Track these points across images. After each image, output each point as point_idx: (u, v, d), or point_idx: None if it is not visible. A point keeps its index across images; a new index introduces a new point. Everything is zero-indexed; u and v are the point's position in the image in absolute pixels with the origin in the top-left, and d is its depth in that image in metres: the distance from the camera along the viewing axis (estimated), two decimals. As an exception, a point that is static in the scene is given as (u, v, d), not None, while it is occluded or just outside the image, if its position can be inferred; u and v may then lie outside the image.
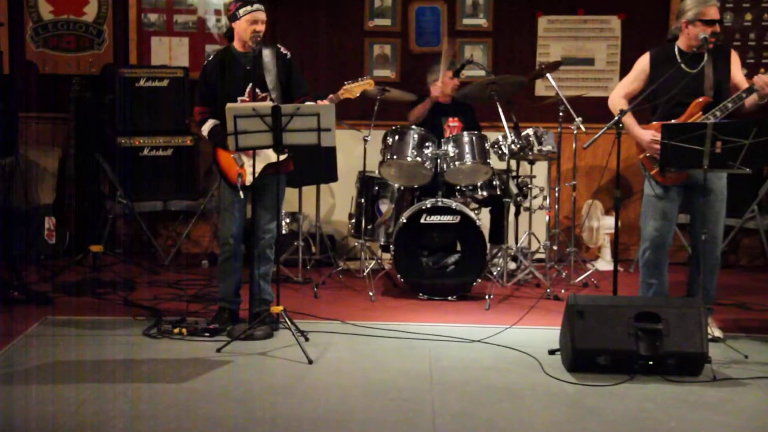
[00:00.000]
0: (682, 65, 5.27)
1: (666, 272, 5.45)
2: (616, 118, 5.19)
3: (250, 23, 5.37)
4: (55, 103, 7.80)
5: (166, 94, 7.63)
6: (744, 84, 5.26)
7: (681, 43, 5.39)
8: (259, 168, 5.43)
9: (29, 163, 7.69)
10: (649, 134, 5.30)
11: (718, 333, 5.42)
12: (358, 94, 5.61)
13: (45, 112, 7.91)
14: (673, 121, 5.25)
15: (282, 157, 5.39)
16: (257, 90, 5.43)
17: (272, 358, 5.06)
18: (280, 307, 5.32)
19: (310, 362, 4.94)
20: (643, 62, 5.48)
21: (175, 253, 7.70)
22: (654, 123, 5.37)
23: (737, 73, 5.37)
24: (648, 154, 5.36)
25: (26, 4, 7.95)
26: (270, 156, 5.40)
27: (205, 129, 5.48)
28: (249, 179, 5.43)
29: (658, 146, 5.18)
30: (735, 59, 5.40)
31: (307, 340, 5.32)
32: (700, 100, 5.25)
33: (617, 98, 5.49)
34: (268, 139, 5.15)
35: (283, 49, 5.55)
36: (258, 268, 5.52)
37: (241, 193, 5.42)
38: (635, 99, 5.41)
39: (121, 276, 6.87)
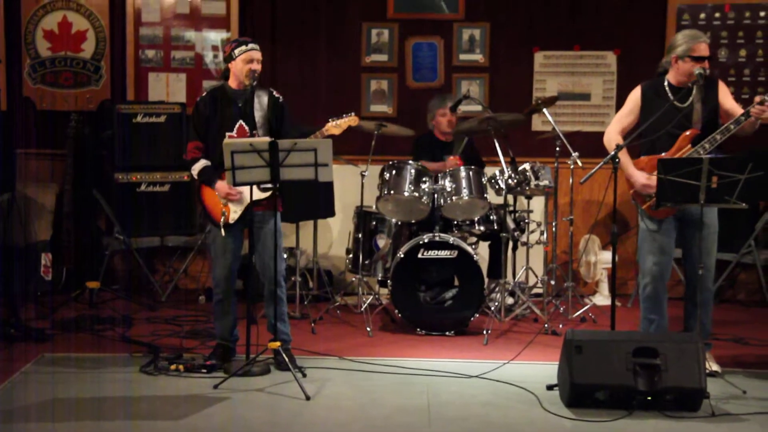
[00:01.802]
0: (674, 101, 5.31)
1: (666, 307, 5.45)
2: (613, 153, 5.21)
3: (246, 62, 5.46)
4: (53, 140, 7.82)
5: (163, 130, 7.65)
6: (737, 110, 5.30)
7: (671, 78, 5.43)
8: (240, 209, 5.47)
9: (27, 199, 7.71)
10: (643, 177, 5.33)
11: (716, 368, 5.41)
12: (343, 130, 5.65)
13: (42, 148, 7.92)
14: (663, 155, 5.28)
15: (264, 195, 5.42)
16: (246, 127, 5.47)
17: (270, 394, 5.04)
18: (278, 343, 5.32)
19: (308, 398, 4.92)
20: (635, 96, 5.53)
21: (172, 288, 7.69)
22: (643, 158, 5.41)
23: (727, 101, 5.40)
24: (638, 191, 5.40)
25: (24, 41, 8.00)
26: (254, 195, 5.41)
27: (196, 169, 5.52)
28: (233, 217, 5.48)
29: (650, 190, 5.23)
30: (723, 88, 5.45)
31: (304, 376, 5.31)
32: (688, 133, 5.29)
33: (612, 134, 5.52)
34: (265, 174, 5.17)
35: (276, 93, 5.64)
36: (271, 308, 5.52)
37: (222, 231, 5.47)
38: (630, 134, 5.44)
39: (118, 312, 6.85)
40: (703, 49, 5.32)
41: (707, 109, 5.34)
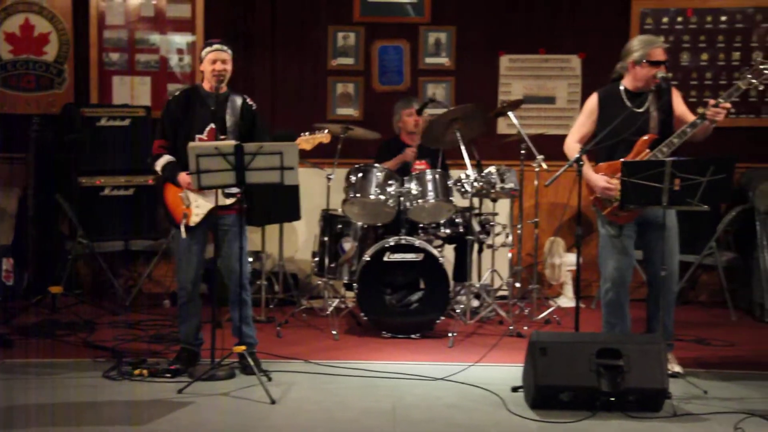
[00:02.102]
0: (629, 104, 5.35)
1: (628, 310, 5.49)
2: (577, 155, 5.25)
3: (211, 63, 5.47)
4: (15, 143, 7.72)
5: (127, 134, 7.59)
6: (688, 116, 5.36)
7: (627, 83, 5.47)
8: (203, 212, 5.45)
9: (-12, 204, 7.62)
10: (602, 180, 5.36)
11: (677, 368, 5.45)
12: (313, 146, 5.67)
13: (4, 152, 7.83)
14: (622, 160, 5.32)
15: (229, 201, 5.41)
16: (217, 131, 5.45)
17: (235, 398, 5.02)
18: (243, 347, 5.31)
19: (273, 402, 4.90)
20: (591, 104, 5.56)
21: (136, 293, 7.64)
22: (602, 165, 5.44)
23: (680, 107, 5.46)
24: (599, 195, 5.43)
25: (-15, 45, 7.93)
26: (219, 200, 5.39)
27: (160, 164, 5.50)
28: (194, 219, 5.45)
29: (611, 192, 5.26)
30: (676, 94, 5.51)
31: (270, 379, 5.29)
32: (646, 137, 5.34)
33: (572, 144, 5.56)
34: (230, 177, 5.15)
35: (249, 101, 5.64)
36: (237, 311, 5.49)
37: (183, 233, 5.44)
38: (589, 141, 5.47)
39: (81, 317, 6.78)
40: (660, 54, 5.37)
41: (663, 115, 5.39)
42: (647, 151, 5.31)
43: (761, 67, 5.16)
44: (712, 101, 5.17)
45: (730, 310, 7.41)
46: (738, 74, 5.27)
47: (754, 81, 5.18)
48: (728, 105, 5.16)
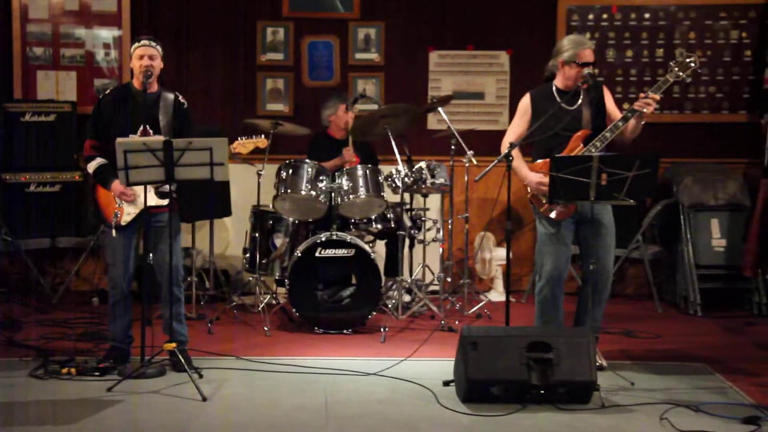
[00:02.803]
0: (561, 103, 5.43)
1: (561, 307, 5.53)
2: (506, 151, 5.30)
3: (139, 58, 5.42)
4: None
5: (53, 129, 7.47)
6: (618, 114, 5.45)
7: (558, 83, 5.56)
8: (135, 211, 5.40)
9: None
10: (536, 176, 5.42)
11: (601, 361, 5.53)
12: (249, 151, 5.66)
13: (-75, 148, 7.63)
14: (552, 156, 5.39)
15: (163, 202, 5.37)
16: (150, 130, 5.39)
17: (165, 396, 4.97)
18: (173, 344, 5.26)
19: (204, 399, 4.87)
20: (525, 104, 5.63)
21: (63, 291, 7.51)
22: (538, 162, 5.49)
23: (611, 105, 5.57)
24: (534, 191, 5.49)
25: None
26: (148, 201, 5.34)
27: (92, 166, 5.43)
28: (125, 219, 5.40)
29: (544, 188, 5.33)
30: (607, 93, 5.62)
31: (201, 376, 5.25)
32: (579, 133, 5.42)
33: (507, 144, 5.59)
34: (159, 174, 5.09)
35: (181, 98, 5.59)
36: (168, 309, 5.43)
37: (113, 232, 5.39)
38: (523, 139, 5.54)
39: (5, 316, 6.65)
40: (588, 55, 5.46)
41: (595, 111, 5.48)
42: (581, 146, 5.39)
43: (687, 60, 5.32)
44: (642, 94, 5.28)
45: (656, 302, 7.57)
46: (668, 68, 5.38)
47: (681, 74, 5.33)
48: (657, 96, 5.27)
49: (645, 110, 5.23)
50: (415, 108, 7.01)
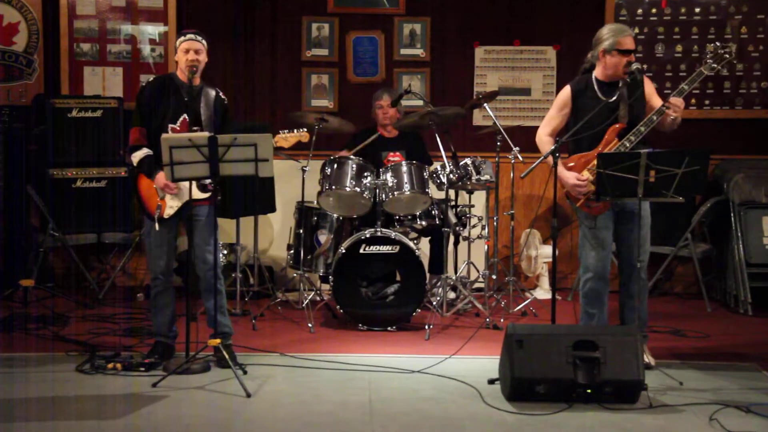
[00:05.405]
0: (601, 95, 5.34)
1: (606, 301, 5.47)
2: (553, 147, 5.22)
3: (184, 52, 5.43)
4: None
5: (99, 125, 7.53)
6: (659, 104, 5.34)
7: (598, 73, 5.45)
8: (177, 205, 5.40)
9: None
10: (572, 178, 5.33)
11: (649, 359, 5.45)
12: (291, 145, 5.64)
13: (-27, 143, 7.73)
14: (593, 150, 5.30)
15: (204, 195, 5.37)
16: (188, 120, 5.39)
17: (210, 392, 4.98)
18: (218, 340, 5.26)
19: (249, 396, 4.87)
20: (564, 96, 5.53)
21: (109, 286, 7.57)
22: (574, 156, 5.41)
23: (653, 98, 5.45)
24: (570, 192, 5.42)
25: (-48, 34, 7.82)
26: (192, 194, 5.34)
27: (137, 157, 5.42)
28: (168, 212, 5.41)
29: (581, 189, 5.25)
30: (649, 84, 5.50)
31: (245, 373, 5.25)
32: (616, 126, 5.32)
33: (543, 137, 5.53)
34: (204, 169, 5.10)
35: (222, 95, 5.60)
36: (210, 301, 5.45)
37: (156, 225, 5.40)
38: (560, 134, 5.45)
39: (52, 311, 6.71)
40: (629, 43, 5.35)
41: (635, 105, 5.36)
42: (615, 140, 5.30)
43: (720, 51, 5.24)
44: (676, 92, 5.20)
45: (705, 301, 7.45)
46: (702, 61, 5.31)
47: (715, 66, 5.25)
48: (678, 101, 5.16)
49: (673, 115, 5.16)
50: (462, 111, 6.94)
